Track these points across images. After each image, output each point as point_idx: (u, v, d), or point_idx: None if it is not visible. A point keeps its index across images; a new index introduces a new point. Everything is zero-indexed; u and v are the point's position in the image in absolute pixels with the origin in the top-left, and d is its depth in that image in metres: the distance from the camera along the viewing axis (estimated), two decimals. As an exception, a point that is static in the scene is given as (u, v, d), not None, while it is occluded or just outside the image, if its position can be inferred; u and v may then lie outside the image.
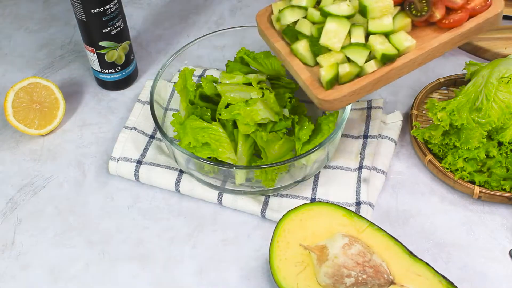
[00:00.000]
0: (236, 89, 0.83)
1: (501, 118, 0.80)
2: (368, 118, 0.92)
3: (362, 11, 0.74)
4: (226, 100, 0.82)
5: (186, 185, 0.85)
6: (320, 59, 0.74)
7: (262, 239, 0.81)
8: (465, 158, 0.83)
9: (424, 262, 0.71)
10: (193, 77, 0.98)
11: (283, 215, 0.76)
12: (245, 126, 0.80)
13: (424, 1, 0.74)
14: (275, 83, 0.90)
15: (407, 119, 0.94)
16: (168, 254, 0.80)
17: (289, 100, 0.86)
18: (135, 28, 1.14)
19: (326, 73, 0.72)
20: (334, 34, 0.73)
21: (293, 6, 0.78)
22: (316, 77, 0.75)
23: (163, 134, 0.80)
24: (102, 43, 0.93)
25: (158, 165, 0.87)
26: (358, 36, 0.74)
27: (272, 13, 0.81)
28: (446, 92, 0.97)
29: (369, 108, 0.93)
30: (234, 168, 0.79)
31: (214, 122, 0.82)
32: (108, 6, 0.90)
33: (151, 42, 1.11)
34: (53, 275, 0.79)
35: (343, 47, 0.74)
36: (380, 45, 0.73)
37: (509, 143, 0.81)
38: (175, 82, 0.88)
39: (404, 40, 0.73)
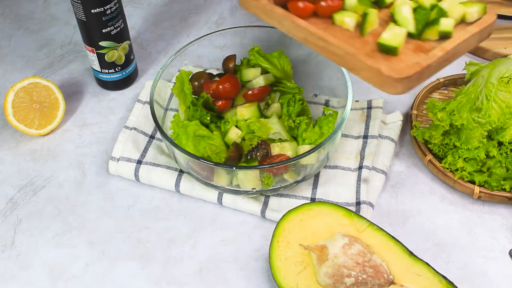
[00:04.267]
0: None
1: (501, 118, 0.80)
2: (368, 118, 0.92)
3: None
4: (233, 123, 0.84)
5: (186, 185, 0.85)
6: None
7: (262, 239, 0.81)
8: (465, 158, 0.83)
9: (424, 262, 0.71)
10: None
11: (283, 215, 0.76)
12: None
13: None
14: (280, 89, 0.90)
15: (407, 119, 0.94)
16: (168, 254, 0.80)
17: (300, 102, 0.87)
18: (135, 28, 1.14)
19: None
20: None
21: None
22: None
23: (163, 134, 0.80)
24: (102, 43, 0.93)
25: (158, 165, 0.87)
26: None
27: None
28: (446, 92, 0.98)
29: (369, 108, 0.93)
30: (234, 168, 0.79)
31: (215, 132, 0.83)
32: (108, 6, 0.90)
33: (151, 42, 1.11)
34: (53, 275, 0.79)
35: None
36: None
37: (509, 143, 0.81)
38: (175, 83, 0.88)
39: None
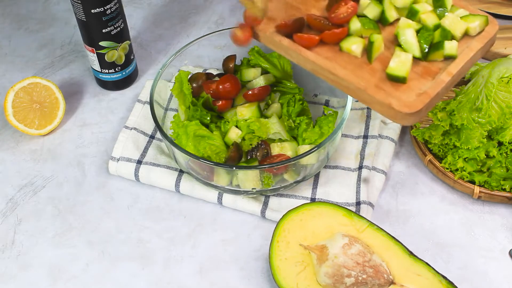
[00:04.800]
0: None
1: (501, 118, 0.80)
2: (368, 118, 0.92)
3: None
4: (233, 123, 0.84)
5: (186, 185, 0.85)
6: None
7: (262, 239, 0.81)
8: (465, 158, 0.83)
9: (424, 262, 0.71)
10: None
11: (283, 215, 0.76)
12: (249, 134, 0.82)
13: None
14: (280, 89, 0.90)
15: (407, 119, 0.94)
16: (168, 254, 0.80)
17: (300, 102, 0.87)
18: (135, 28, 1.14)
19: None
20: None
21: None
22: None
23: (164, 134, 0.80)
24: (102, 43, 0.93)
25: (158, 165, 0.87)
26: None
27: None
28: (446, 92, 0.97)
29: (369, 108, 0.93)
30: (234, 168, 0.79)
31: (215, 132, 0.83)
32: (108, 6, 0.90)
33: (151, 42, 1.11)
34: (53, 275, 0.79)
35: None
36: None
37: (509, 143, 0.81)
38: (174, 83, 0.88)
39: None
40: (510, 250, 0.79)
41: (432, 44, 0.69)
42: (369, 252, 0.71)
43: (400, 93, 0.67)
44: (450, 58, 0.69)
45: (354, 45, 0.70)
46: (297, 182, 0.82)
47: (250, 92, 0.85)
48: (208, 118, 0.85)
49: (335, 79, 0.70)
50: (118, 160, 0.88)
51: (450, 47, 0.68)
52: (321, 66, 0.70)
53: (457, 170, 0.84)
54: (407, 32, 0.69)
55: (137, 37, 1.12)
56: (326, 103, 0.94)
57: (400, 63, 0.67)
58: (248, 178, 0.79)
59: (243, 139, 0.83)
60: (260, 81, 0.88)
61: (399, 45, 0.70)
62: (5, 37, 1.14)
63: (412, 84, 0.68)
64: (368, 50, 0.70)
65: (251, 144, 0.82)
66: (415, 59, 0.69)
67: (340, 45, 0.71)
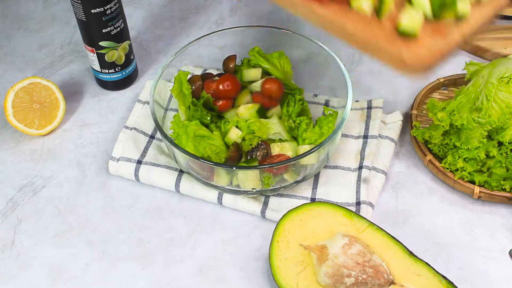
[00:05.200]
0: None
1: (501, 118, 0.80)
2: (368, 118, 0.92)
3: None
4: (233, 123, 0.84)
5: (186, 185, 0.85)
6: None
7: (262, 239, 0.81)
8: (465, 158, 0.83)
9: (424, 262, 0.71)
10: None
11: (283, 215, 0.76)
12: (249, 134, 0.82)
13: None
14: None
15: (407, 119, 0.94)
16: (168, 254, 0.80)
17: (300, 102, 0.87)
18: (135, 28, 1.14)
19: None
20: None
21: None
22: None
23: (164, 134, 0.80)
24: (102, 43, 0.93)
25: (158, 165, 0.88)
26: None
27: None
28: (446, 92, 0.98)
29: (369, 108, 0.93)
30: (234, 168, 0.79)
31: (215, 132, 0.83)
32: (108, 6, 0.90)
33: (151, 42, 1.11)
34: (53, 275, 0.79)
35: None
36: None
37: (509, 143, 0.81)
38: (174, 83, 0.88)
39: None
40: (510, 250, 0.79)
41: (444, 2, 0.69)
42: (369, 252, 0.71)
43: (411, 48, 0.66)
44: (461, 19, 0.68)
45: (364, 3, 0.70)
46: (297, 182, 0.82)
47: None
48: (208, 118, 0.85)
49: (344, 34, 0.69)
50: (118, 160, 0.88)
51: (463, 6, 0.68)
52: (331, 21, 0.70)
53: (457, 170, 0.84)
54: None
55: (137, 37, 1.12)
56: (326, 103, 0.94)
57: (411, 19, 0.67)
58: (248, 178, 0.79)
59: (243, 139, 0.83)
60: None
61: (410, 3, 0.69)
62: (5, 37, 1.14)
63: (423, 41, 0.67)
64: (378, 9, 0.70)
65: (251, 144, 0.82)
66: (425, 19, 0.68)
67: (350, 3, 0.71)
